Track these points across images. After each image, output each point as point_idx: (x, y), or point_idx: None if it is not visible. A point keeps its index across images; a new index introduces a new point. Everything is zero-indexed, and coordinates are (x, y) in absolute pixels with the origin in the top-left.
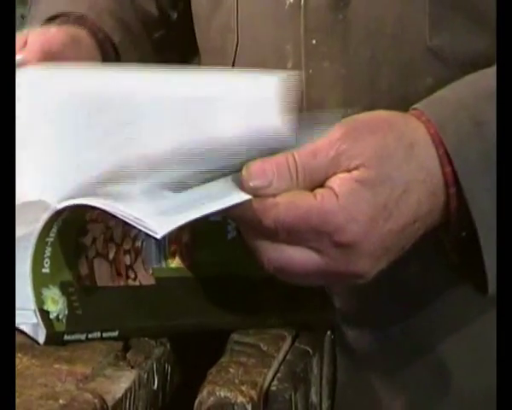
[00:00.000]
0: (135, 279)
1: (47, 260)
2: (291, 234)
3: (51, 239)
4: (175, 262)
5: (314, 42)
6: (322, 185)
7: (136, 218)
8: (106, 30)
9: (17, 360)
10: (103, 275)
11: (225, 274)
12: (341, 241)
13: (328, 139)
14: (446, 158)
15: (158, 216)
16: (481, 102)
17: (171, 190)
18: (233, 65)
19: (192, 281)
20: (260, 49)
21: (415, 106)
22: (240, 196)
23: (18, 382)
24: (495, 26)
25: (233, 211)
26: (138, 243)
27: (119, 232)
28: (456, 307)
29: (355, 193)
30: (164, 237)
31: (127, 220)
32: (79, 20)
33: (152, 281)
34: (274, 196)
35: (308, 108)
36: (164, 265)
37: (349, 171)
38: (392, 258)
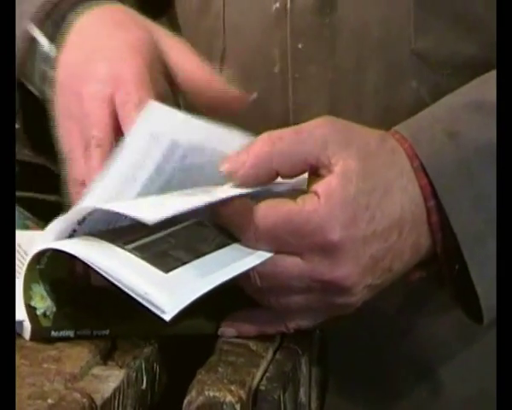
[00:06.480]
0: None
1: (45, 258)
2: (272, 240)
3: None
4: None
5: (300, 46)
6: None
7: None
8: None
9: None
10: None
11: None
12: (323, 241)
13: (314, 123)
14: (422, 171)
15: (167, 291)
16: (455, 113)
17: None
18: (220, 69)
19: None
20: (247, 54)
21: (393, 128)
22: (257, 257)
23: None
24: (479, 29)
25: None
26: None
27: None
28: (453, 312)
29: (337, 192)
30: None
31: (126, 286)
32: None
33: None
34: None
35: (294, 111)
36: None
37: (331, 165)
38: (379, 275)
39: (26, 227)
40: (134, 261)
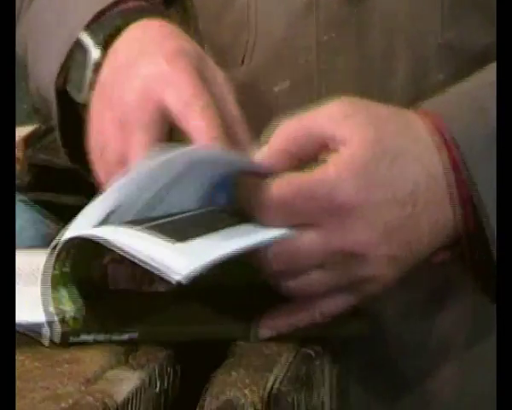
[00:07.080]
0: (150, 285)
1: (69, 260)
2: (288, 213)
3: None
4: None
5: (327, 37)
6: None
7: (153, 259)
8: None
9: (19, 363)
10: (117, 279)
11: (245, 282)
12: (334, 206)
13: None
14: (444, 144)
15: (180, 256)
16: (483, 89)
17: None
18: (243, 61)
19: (209, 291)
20: (274, 45)
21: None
22: (271, 233)
23: (20, 385)
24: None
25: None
26: None
27: None
28: (462, 310)
29: (346, 159)
30: None
31: (139, 262)
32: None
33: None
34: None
35: (320, 103)
36: None
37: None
38: (397, 247)
39: (47, 226)
40: (144, 236)
